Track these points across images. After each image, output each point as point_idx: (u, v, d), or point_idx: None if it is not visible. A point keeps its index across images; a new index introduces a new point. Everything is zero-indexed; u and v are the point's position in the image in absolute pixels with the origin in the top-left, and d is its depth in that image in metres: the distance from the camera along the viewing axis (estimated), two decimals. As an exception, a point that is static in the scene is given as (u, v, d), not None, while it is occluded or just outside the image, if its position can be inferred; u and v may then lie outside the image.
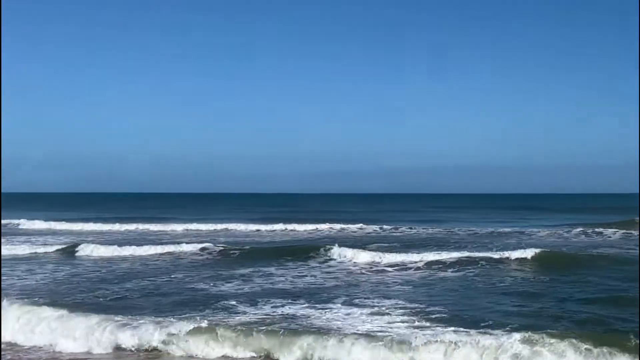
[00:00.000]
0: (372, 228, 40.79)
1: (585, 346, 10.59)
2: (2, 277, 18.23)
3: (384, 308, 14.24)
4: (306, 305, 14.71)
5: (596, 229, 37.65)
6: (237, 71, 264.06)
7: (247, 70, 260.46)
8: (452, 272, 20.61)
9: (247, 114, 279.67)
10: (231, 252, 26.51)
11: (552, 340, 10.95)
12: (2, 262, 21.94)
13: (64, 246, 28.68)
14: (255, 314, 13.75)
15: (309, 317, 13.39)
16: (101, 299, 15.87)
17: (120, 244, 29.43)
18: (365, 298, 15.73)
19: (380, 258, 23.24)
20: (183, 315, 13.30)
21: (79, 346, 11.70)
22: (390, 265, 22.03)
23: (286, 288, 17.58)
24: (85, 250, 27.06)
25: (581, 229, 37.87)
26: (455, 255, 23.18)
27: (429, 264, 21.88)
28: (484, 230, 38.14)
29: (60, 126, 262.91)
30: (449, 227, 41.14)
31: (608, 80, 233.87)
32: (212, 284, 18.16)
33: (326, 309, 14.26)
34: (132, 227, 43.99)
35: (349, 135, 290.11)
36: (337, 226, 42.33)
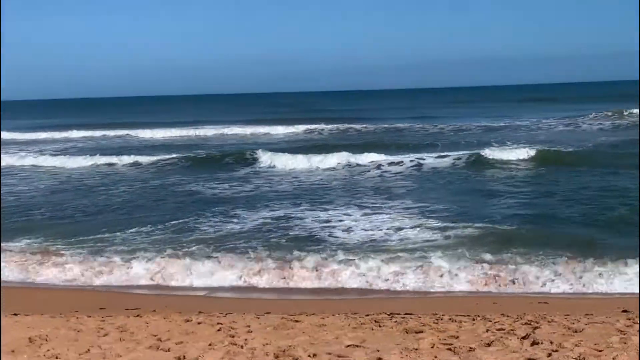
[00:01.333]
0: (369, 125, 39.50)
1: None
2: None
3: (380, 209, 14.11)
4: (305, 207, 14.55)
5: (607, 117, 36.84)
6: None
7: None
8: (449, 170, 20.10)
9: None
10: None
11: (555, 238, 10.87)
12: None
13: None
14: (254, 219, 13.63)
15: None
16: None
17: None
18: (367, 199, 15.59)
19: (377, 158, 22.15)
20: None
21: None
22: (389, 164, 21.43)
23: (287, 190, 17.50)
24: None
25: (594, 115, 37.50)
26: (456, 152, 22.45)
27: (426, 164, 21.14)
28: (492, 124, 37.24)
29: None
30: (457, 122, 39.50)
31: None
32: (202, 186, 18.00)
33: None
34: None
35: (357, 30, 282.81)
36: (326, 126, 38.70)
